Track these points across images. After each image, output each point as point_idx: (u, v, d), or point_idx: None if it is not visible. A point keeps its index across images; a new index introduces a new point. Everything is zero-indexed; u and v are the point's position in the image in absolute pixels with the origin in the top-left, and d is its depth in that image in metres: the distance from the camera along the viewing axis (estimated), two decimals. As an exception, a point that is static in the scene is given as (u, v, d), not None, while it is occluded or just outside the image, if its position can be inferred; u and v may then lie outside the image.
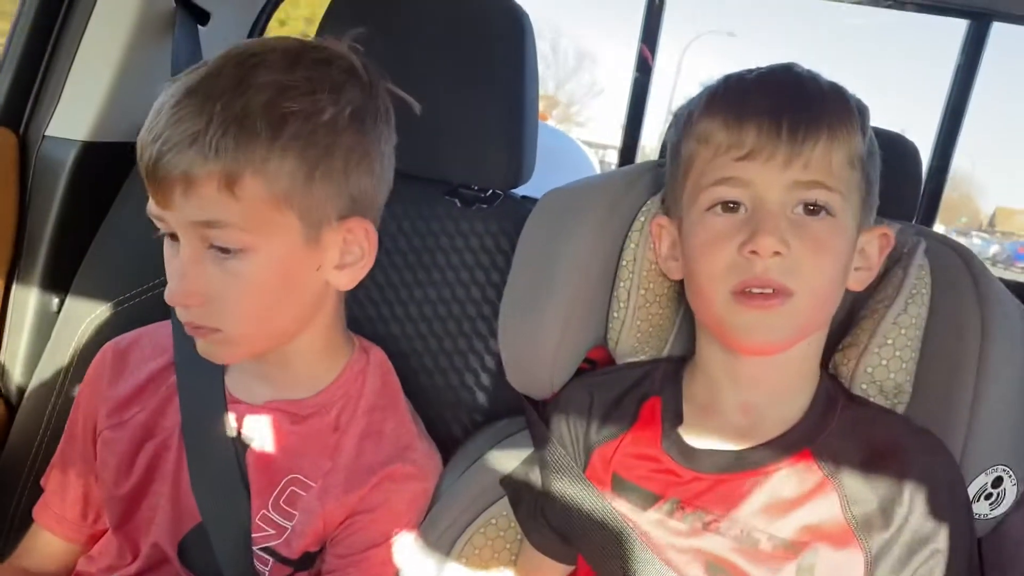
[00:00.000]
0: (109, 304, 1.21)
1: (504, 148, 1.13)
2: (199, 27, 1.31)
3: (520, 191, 1.21)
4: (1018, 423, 0.81)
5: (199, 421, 0.91)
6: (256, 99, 0.77)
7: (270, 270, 0.82)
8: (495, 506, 0.93)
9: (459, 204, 1.15)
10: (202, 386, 0.93)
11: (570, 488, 0.84)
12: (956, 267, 0.84)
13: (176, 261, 0.81)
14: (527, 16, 1.14)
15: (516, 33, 1.13)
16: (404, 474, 0.92)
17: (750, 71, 0.80)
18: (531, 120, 1.16)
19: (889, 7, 1.79)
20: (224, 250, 0.80)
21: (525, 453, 0.92)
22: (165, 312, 1.00)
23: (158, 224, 0.83)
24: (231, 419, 0.92)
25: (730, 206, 0.76)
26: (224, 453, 0.90)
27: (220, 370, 0.93)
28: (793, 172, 0.73)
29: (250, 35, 1.54)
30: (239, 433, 0.92)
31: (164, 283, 1.17)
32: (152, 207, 0.81)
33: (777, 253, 0.72)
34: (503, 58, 1.13)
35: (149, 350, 0.99)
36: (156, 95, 0.81)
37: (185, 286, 0.80)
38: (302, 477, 0.90)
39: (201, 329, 0.83)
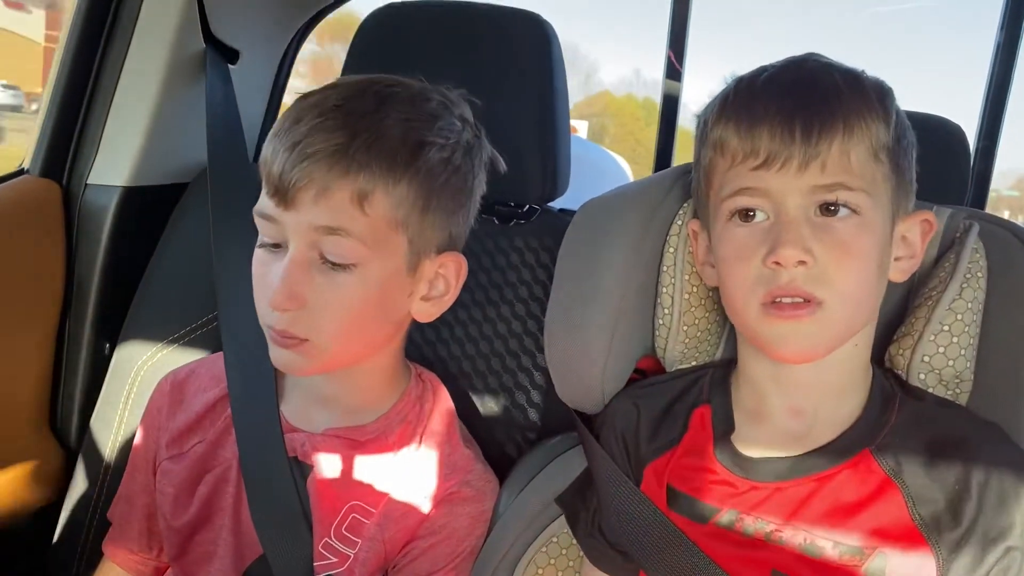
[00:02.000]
0: (159, 344, 1.22)
1: (538, 162, 1.13)
2: (229, 66, 1.33)
3: (556, 204, 1.20)
4: None
5: (256, 452, 0.92)
6: (396, 124, 0.82)
7: (372, 287, 0.84)
8: (555, 524, 0.92)
9: (497, 221, 1.15)
10: (258, 417, 0.93)
11: (625, 503, 0.82)
12: (1012, 247, 0.80)
13: (276, 267, 0.82)
14: (552, 27, 1.14)
15: (542, 45, 1.13)
16: (462, 497, 0.92)
17: (763, 69, 0.77)
18: (563, 132, 1.16)
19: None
20: (334, 265, 0.81)
21: (580, 470, 0.91)
22: (215, 348, 1.01)
23: (265, 228, 0.84)
24: (290, 448, 0.92)
25: (750, 214, 0.74)
26: (283, 483, 0.90)
27: (275, 401, 0.94)
28: (811, 176, 0.71)
29: (278, 72, 1.56)
30: (299, 462, 0.92)
31: (213, 320, 1.20)
32: (269, 207, 0.82)
33: (801, 263, 0.70)
34: (530, 71, 1.13)
35: (206, 380, 1.01)
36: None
37: (289, 288, 0.80)
38: (363, 504, 0.91)
39: (292, 339, 0.83)
